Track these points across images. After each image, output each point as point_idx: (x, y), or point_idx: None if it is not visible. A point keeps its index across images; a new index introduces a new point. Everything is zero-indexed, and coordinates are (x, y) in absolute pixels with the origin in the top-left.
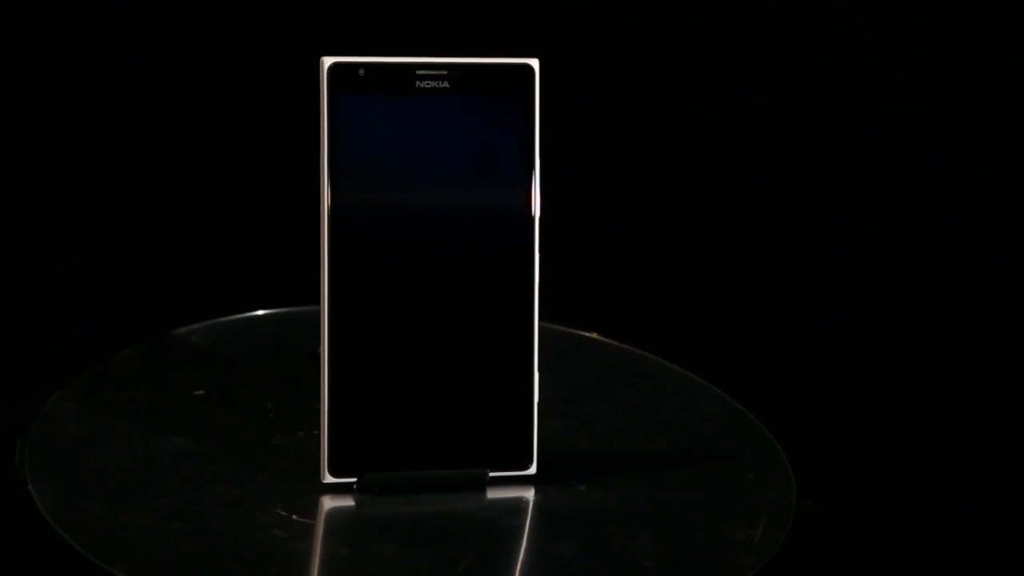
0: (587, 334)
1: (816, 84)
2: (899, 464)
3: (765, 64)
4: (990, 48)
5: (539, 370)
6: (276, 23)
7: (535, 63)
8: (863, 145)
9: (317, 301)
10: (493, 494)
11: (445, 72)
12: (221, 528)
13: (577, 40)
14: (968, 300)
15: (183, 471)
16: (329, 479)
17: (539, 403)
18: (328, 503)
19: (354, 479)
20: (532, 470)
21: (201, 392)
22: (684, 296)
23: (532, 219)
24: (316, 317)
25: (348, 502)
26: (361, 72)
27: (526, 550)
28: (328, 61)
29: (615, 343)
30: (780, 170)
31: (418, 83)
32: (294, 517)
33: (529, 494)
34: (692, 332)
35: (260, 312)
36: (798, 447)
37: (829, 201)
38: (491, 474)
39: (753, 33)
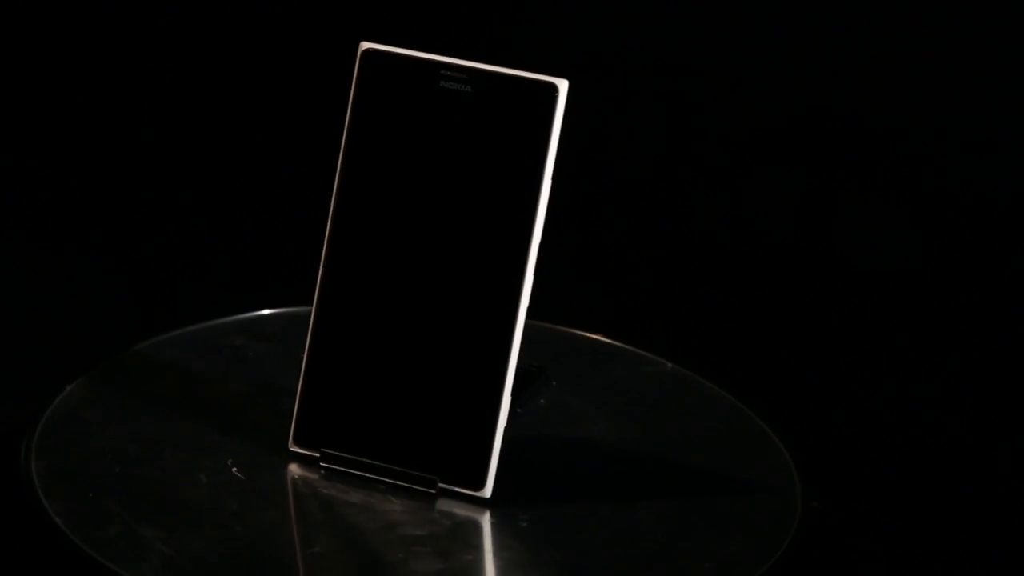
0: (592, 336)
1: (822, 87)
2: (906, 465)
3: (771, 66)
4: (999, 50)
5: (516, 392)
6: (277, 23)
7: (563, 85)
8: (870, 148)
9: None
10: (441, 505)
11: (466, 76)
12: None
13: (582, 41)
14: (976, 303)
15: (190, 468)
16: (293, 448)
17: (508, 426)
18: (283, 470)
19: (316, 453)
20: (485, 493)
21: (207, 390)
22: (689, 298)
23: (529, 240)
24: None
25: (298, 473)
26: (389, 61)
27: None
28: (364, 46)
29: (619, 344)
30: (787, 172)
31: (441, 83)
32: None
33: (472, 515)
34: (697, 333)
35: (266, 311)
36: (803, 448)
37: (836, 204)
38: (441, 485)
39: (759, 35)
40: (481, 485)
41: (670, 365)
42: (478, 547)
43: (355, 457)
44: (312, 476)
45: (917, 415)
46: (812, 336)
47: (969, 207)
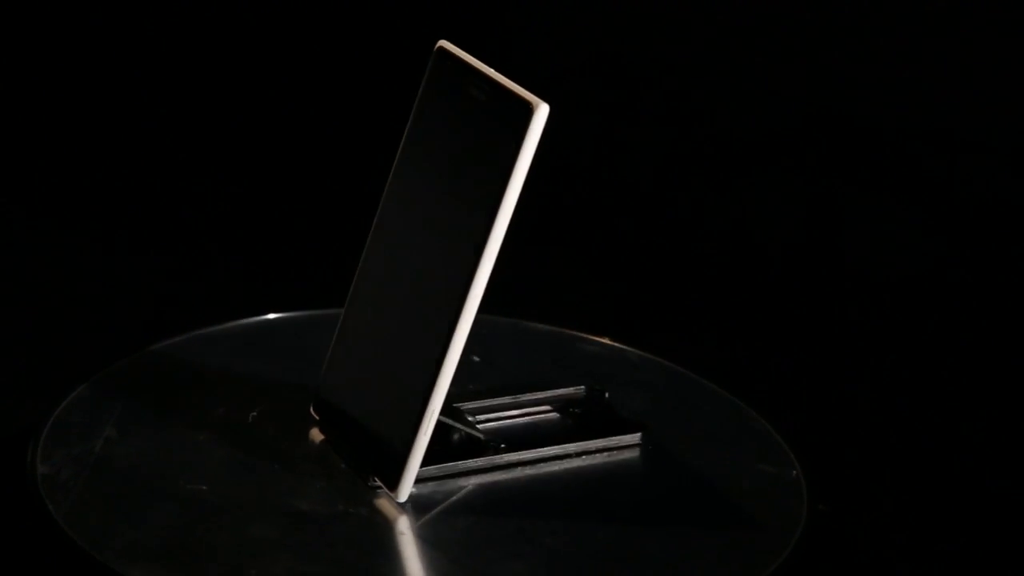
0: (597, 338)
1: (829, 90)
2: (912, 468)
3: (779, 69)
4: (1003, 53)
5: (450, 404)
6: (281, 23)
7: (542, 108)
8: (874, 150)
9: (330, 305)
10: (375, 499)
11: (481, 83)
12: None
13: (588, 44)
14: (982, 306)
15: (198, 471)
16: (312, 415)
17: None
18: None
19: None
20: (399, 496)
21: (215, 395)
22: (694, 300)
23: (480, 252)
24: (329, 321)
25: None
26: (444, 63)
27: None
28: (440, 44)
29: (623, 347)
30: (793, 175)
31: (471, 88)
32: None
33: (383, 515)
34: (702, 336)
35: (271, 316)
36: (809, 450)
37: (842, 206)
38: (372, 482)
39: (766, 38)
40: (395, 486)
41: (673, 367)
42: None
43: (329, 437)
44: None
45: (923, 417)
46: (818, 338)
47: (976, 210)
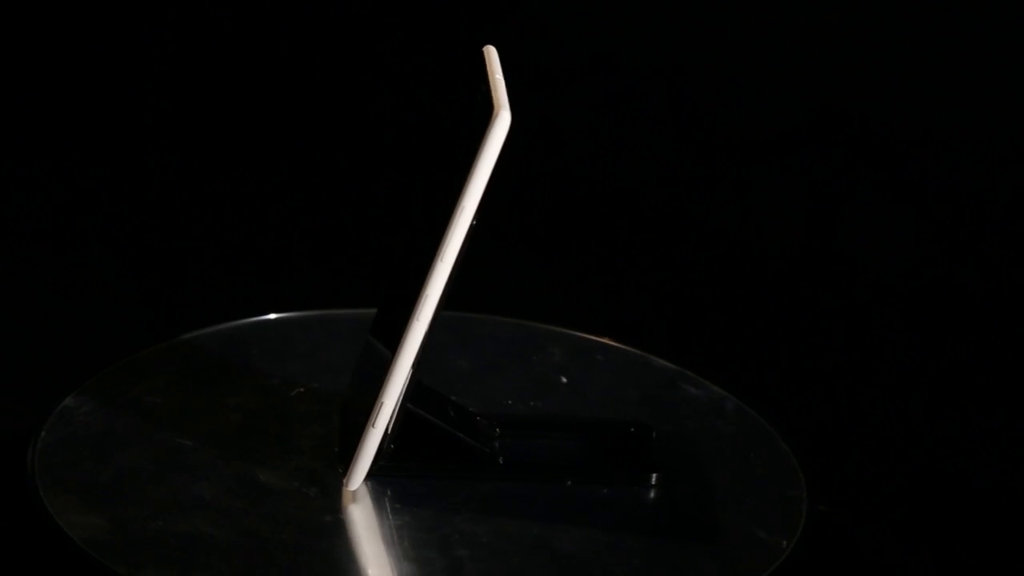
0: (599, 339)
1: (828, 90)
2: (912, 468)
3: (778, 70)
4: (1003, 53)
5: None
6: (282, 22)
7: (503, 116)
8: (876, 150)
9: (332, 305)
10: (333, 484)
11: (482, 86)
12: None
13: (588, 44)
14: (983, 305)
15: (198, 472)
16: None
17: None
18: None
19: None
20: (350, 486)
21: (215, 394)
22: (694, 301)
23: (436, 252)
24: (331, 320)
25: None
26: (478, 67)
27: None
28: (485, 48)
29: (625, 347)
30: (793, 175)
31: (477, 92)
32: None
33: (326, 499)
34: (703, 336)
35: (272, 316)
36: (809, 451)
37: (842, 207)
38: (340, 471)
39: (766, 39)
40: (345, 477)
41: (675, 368)
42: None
43: (339, 426)
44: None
45: (924, 418)
46: (819, 338)
47: (975, 210)
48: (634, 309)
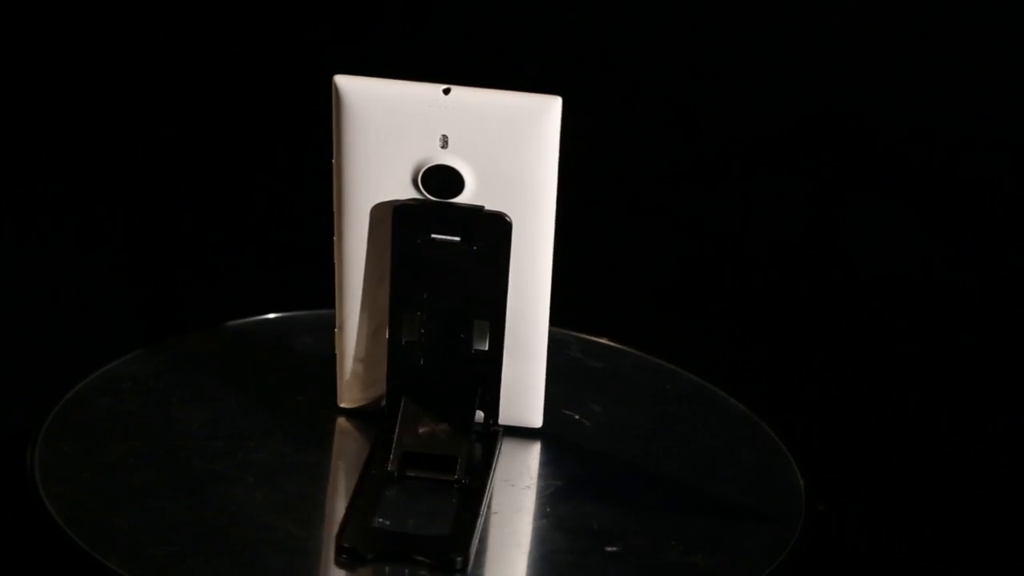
0: (597, 339)
1: (829, 90)
2: (911, 469)
3: (778, 70)
4: (1003, 53)
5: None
6: (282, 21)
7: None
8: (874, 150)
9: (332, 305)
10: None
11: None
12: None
13: (588, 43)
14: (983, 305)
15: (194, 472)
16: None
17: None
18: None
19: None
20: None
21: (215, 394)
22: (694, 301)
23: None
24: (331, 320)
25: None
26: None
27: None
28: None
29: (625, 348)
30: (793, 176)
31: None
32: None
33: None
34: (702, 337)
35: (271, 315)
36: (808, 451)
37: (842, 207)
38: None
39: (766, 39)
40: None
41: (675, 369)
42: None
43: None
44: None
45: (923, 418)
46: (818, 340)
47: (976, 210)
48: (632, 308)
